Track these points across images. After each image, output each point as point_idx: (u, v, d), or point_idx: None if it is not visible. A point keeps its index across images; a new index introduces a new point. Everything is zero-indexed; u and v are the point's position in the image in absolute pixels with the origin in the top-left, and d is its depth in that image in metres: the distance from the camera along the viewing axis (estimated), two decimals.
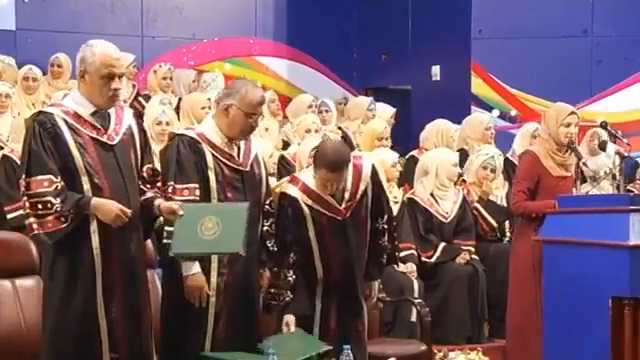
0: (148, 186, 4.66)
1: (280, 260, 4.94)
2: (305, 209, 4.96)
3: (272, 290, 4.96)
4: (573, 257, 5.30)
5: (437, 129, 8.38)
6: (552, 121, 6.07)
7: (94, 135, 4.47)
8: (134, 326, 4.51)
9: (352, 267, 5.05)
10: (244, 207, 4.58)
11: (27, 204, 4.37)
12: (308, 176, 5.05)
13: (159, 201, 4.58)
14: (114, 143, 4.52)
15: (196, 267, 4.68)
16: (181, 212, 4.51)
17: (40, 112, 4.54)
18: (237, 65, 10.94)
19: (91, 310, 4.40)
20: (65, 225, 4.35)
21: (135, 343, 4.51)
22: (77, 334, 4.40)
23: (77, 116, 4.47)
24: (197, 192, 4.69)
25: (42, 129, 4.40)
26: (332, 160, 4.88)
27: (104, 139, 4.49)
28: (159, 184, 4.73)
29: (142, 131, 4.71)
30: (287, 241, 4.95)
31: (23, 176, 4.40)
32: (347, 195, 5.03)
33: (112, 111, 4.59)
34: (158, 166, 4.83)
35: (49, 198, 4.31)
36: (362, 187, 5.08)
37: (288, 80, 11.18)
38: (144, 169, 4.64)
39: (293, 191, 5.00)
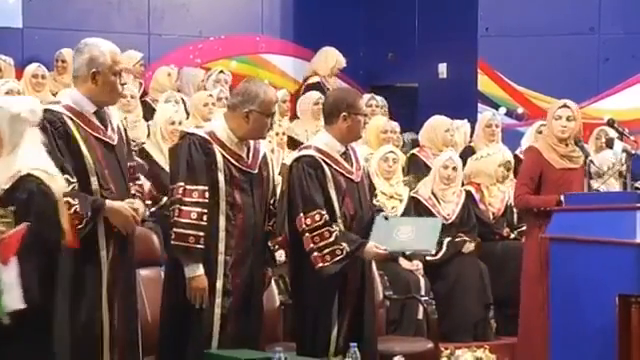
0: (130, 184, 4.60)
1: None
2: (325, 168, 4.94)
3: (324, 251, 4.86)
4: (580, 255, 5.29)
5: (430, 125, 8.30)
6: (548, 116, 6.19)
7: (99, 135, 4.44)
8: (127, 322, 4.51)
9: (366, 228, 5.02)
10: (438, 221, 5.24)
11: None
12: (319, 141, 5.05)
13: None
14: (115, 143, 4.49)
15: (200, 269, 4.67)
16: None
17: (46, 110, 4.28)
18: (244, 63, 10.93)
19: (93, 307, 4.39)
20: (80, 227, 4.23)
21: (127, 342, 4.50)
22: (80, 328, 4.36)
23: (81, 115, 4.41)
24: (206, 194, 4.68)
25: (53, 128, 4.31)
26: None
27: (107, 139, 4.47)
28: (139, 182, 4.69)
29: (125, 130, 4.67)
30: (316, 201, 4.87)
31: None
32: (354, 161, 5.07)
33: (107, 111, 4.53)
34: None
35: (67, 199, 4.06)
36: (362, 162, 5.17)
37: (295, 78, 11.15)
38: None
39: (309, 152, 4.98)
